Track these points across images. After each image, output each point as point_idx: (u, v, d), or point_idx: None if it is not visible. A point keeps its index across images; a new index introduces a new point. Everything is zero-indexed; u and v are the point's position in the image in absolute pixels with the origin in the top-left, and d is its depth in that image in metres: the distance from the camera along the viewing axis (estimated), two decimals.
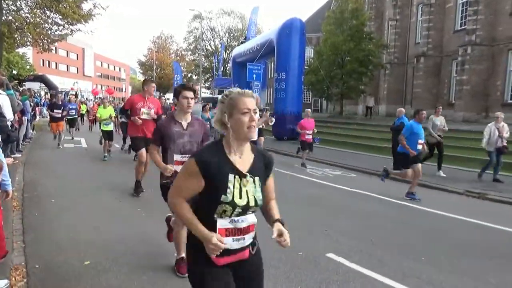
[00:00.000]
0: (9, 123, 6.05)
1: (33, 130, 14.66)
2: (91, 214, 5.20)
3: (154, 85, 6.36)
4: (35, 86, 31.50)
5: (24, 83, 27.73)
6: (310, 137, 9.88)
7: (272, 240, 1.68)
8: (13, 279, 3.16)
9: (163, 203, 5.84)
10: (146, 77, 57.14)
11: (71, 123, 14.79)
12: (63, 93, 26.01)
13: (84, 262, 3.58)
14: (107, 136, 10.07)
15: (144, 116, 6.07)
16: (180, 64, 45.33)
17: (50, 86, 32.32)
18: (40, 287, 3.14)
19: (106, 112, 10.37)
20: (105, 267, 3.50)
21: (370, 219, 5.59)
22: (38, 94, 28.63)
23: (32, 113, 13.48)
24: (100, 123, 11.05)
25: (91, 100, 31.02)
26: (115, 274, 3.38)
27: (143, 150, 6.08)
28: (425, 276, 3.63)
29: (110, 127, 10.24)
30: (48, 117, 14.95)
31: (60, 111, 12.06)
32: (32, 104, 13.92)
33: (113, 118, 10.78)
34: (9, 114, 5.99)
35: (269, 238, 1.69)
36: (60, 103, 12.45)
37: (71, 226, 4.64)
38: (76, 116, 15.97)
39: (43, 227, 4.59)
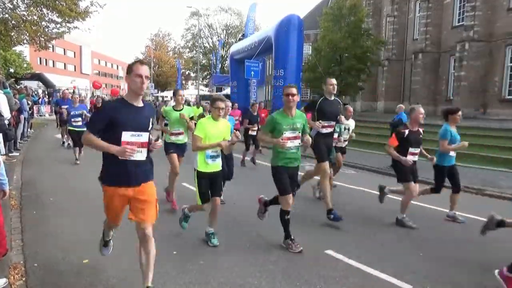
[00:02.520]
0: (6, 122, 6.06)
1: (30, 129, 14.62)
2: (90, 213, 5.18)
3: None
4: (33, 84, 31.38)
5: (21, 82, 27.62)
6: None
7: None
8: (12, 277, 3.16)
9: (160, 201, 5.84)
10: None
11: (77, 138, 8.54)
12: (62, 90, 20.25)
13: (83, 261, 3.59)
14: (178, 152, 5.68)
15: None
16: (179, 61, 45.22)
17: (47, 84, 32.21)
18: (39, 286, 3.14)
19: (191, 114, 5.73)
20: (103, 265, 3.50)
21: (369, 216, 5.61)
22: (36, 93, 28.53)
23: (30, 111, 13.44)
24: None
25: (86, 98, 30.60)
26: (113, 272, 3.38)
27: None
28: (423, 271, 3.65)
29: (185, 138, 5.80)
30: (57, 120, 13.42)
31: (81, 119, 8.85)
32: (29, 102, 13.86)
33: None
34: (6, 113, 5.99)
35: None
36: (76, 106, 9.18)
37: (69, 225, 4.64)
38: (84, 129, 11.42)
39: (42, 225, 4.60)
